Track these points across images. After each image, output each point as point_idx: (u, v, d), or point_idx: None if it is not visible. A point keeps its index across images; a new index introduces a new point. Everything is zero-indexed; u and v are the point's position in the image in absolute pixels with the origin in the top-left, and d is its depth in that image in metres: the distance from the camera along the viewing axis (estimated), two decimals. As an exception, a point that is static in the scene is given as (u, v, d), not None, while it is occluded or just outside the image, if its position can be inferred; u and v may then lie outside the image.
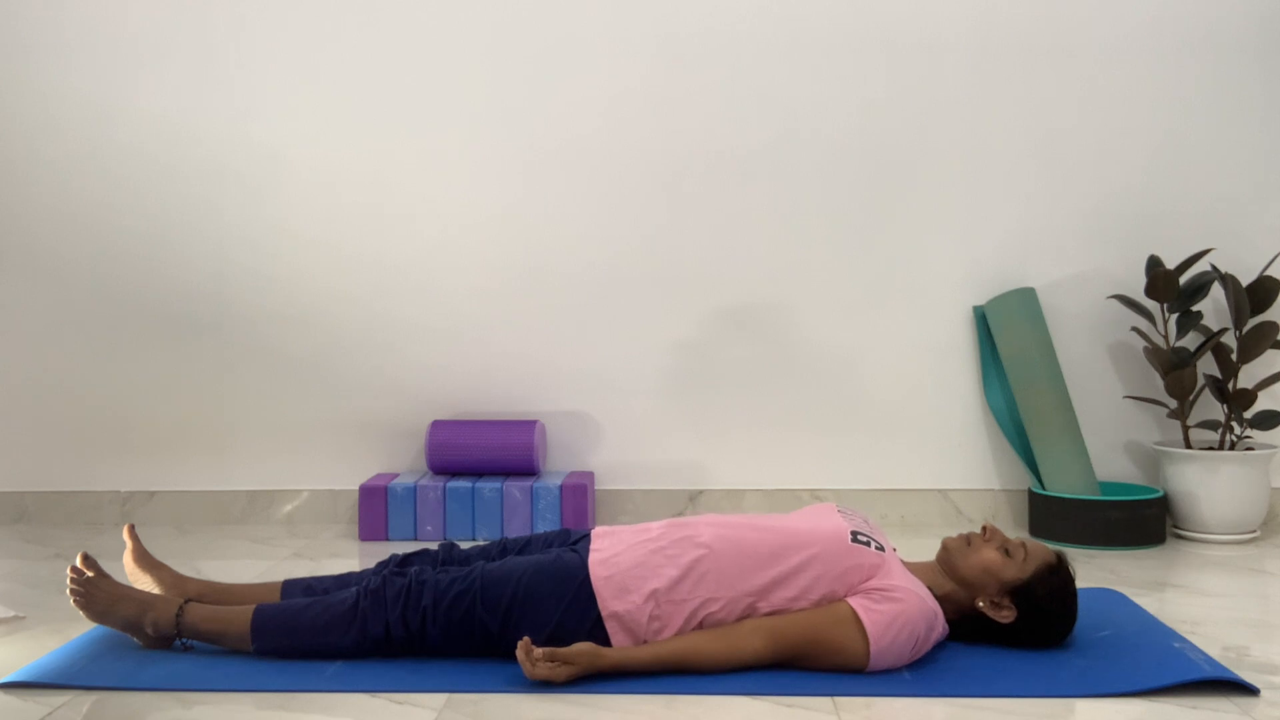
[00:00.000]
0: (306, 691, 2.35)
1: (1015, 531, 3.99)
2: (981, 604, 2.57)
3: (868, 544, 2.54)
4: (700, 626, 2.49)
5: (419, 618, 2.49)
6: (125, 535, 2.78)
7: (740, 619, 2.49)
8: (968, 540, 2.63)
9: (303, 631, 2.52)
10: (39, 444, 4.24)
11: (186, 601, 2.58)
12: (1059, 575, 2.58)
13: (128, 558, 2.76)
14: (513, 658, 2.43)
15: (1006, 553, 2.57)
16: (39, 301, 4.22)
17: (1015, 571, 2.56)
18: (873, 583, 2.48)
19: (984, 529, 2.64)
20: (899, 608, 2.43)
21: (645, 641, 2.47)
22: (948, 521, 4.12)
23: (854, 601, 2.45)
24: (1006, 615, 2.56)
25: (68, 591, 2.57)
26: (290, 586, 2.73)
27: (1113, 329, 4.15)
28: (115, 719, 2.27)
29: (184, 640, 2.56)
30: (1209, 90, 4.11)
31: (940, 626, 2.52)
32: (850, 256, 4.16)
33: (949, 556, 2.63)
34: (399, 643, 2.51)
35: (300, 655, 2.51)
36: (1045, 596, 2.56)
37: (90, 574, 2.58)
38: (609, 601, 2.48)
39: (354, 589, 2.55)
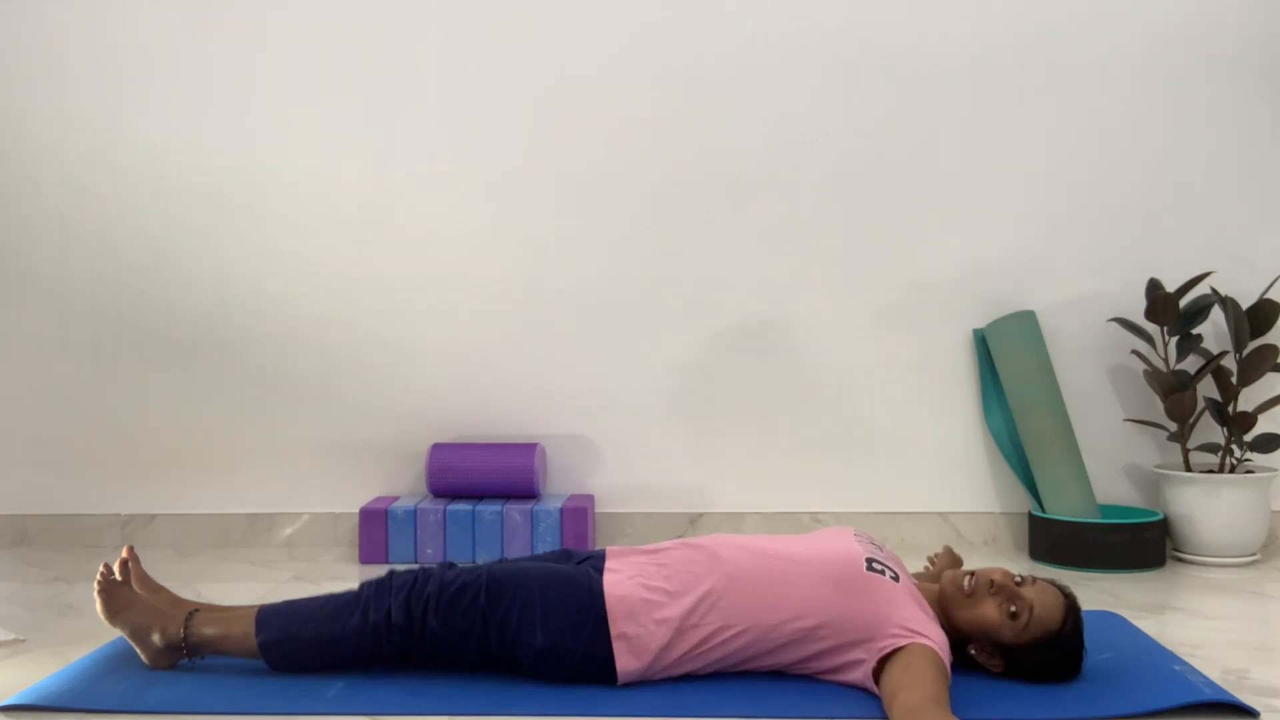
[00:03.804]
0: (307, 715, 2.35)
1: (1015, 557, 3.99)
2: (973, 651, 2.53)
3: (882, 572, 2.49)
4: (713, 652, 2.48)
5: (421, 605, 2.49)
6: (125, 558, 2.78)
7: (759, 648, 2.48)
8: (969, 589, 2.49)
9: (306, 620, 2.54)
10: (39, 467, 4.24)
11: (195, 610, 2.60)
12: (1058, 646, 2.46)
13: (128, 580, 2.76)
14: (507, 673, 2.43)
15: (1011, 613, 2.44)
16: (39, 324, 4.22)
17: (1011, 637, 2.45)
18: (901, 618, 2.44)
19: (991, 581, 2.48)
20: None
21: (652, 664, 2.47)
22: (944, 544, 4.11)
23: (918, 640, 2.38)
24: (996, 665, 2.51)
25: (95, 584, 2.60)
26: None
27: (1113, 352, 4.15)
28: (116, 742, 2.27)
29: (190, 652, 2.57)
30: (1209, 113, 4.13)
31: (948, 657, 2.47)
32: (850, 279, 4.17)
33: (948, 602, 2.53)
34: (399, 632, 2.50)
35: (303, 648, 2.52)
36: (1036, 666, 2.48)
37: (119, 578, 2.63)
38: (620, 622, 2.47)
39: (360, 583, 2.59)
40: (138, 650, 2.61)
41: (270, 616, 2.56)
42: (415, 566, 2.62)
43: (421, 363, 4.21)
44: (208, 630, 2.57)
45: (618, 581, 2.53)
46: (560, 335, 4.19)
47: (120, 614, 2.59)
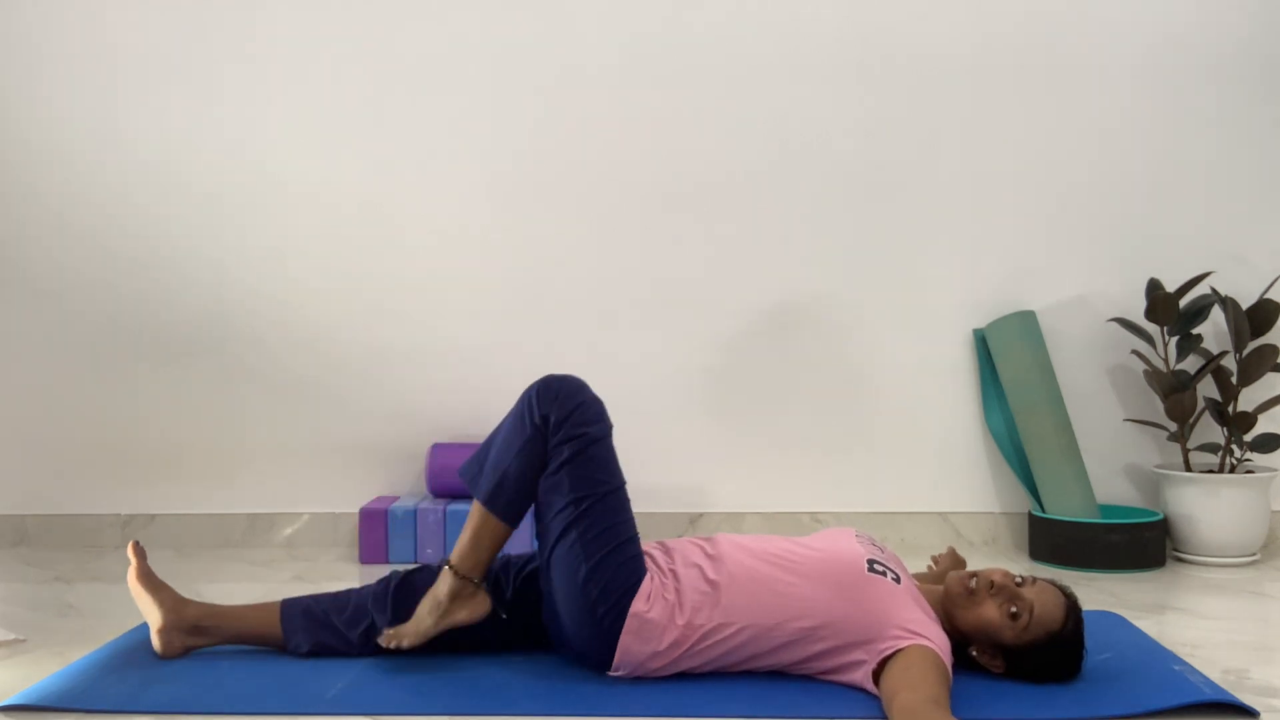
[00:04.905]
0: (307, 715, 2.34)
1: (1016, 557, 3.99)
2: (974, 651, 2.52)
3: (884, 574, 2.49)
4: (712, 649, 2.49)
5: (575, 432, 2.56)
6: (130, 553, 2.73)
7: (759, 647, 2.48)
8: (971, 590, 2.49)
9: (501, 458, 2.59)
10: (39, 467, 4.24)
11: (444, 562, 2.60)
12: (1059, 646, 2.46)
13: (131, 576, 2.72)
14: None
15: (1012, 614, 2.43)
16: (39, 325, 4.22)
17: (1012, 637, 2.45)
18: (902, 619, 2.44)
19: (991, 582, 2.47)
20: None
21: (651, 657, 2.47)
22: (948, 544, 4.11)
23: (918, 641, 2.38)
24: (997, 666, 2.50)
25: (397, 646, 2.56)
26: (289, 606, 2.72)
27: (1113, 352, 4.15)
28: (116, 742, 2.27)
29: (481, 577, 2.59)
30: (1209, 114, 4.13)
31: (949, 659, 2.46)
32: (850, 279, 4.17)
33: (949, 603, 2.54)
34: (549, 436, 2.56)
35: (511, 483, 2.56)
36: (1036, 666, 2.47)
37: (405, 636, 2.57)
38: (641, 601, 2.48)
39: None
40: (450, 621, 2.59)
41: (475, 473, 2.62)
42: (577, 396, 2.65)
43: (421, 363, 4.21)
44: (461, 552, 2.57)
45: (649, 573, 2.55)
46: (560, 336, 4.19)
47: (419, 632, 2.56)
